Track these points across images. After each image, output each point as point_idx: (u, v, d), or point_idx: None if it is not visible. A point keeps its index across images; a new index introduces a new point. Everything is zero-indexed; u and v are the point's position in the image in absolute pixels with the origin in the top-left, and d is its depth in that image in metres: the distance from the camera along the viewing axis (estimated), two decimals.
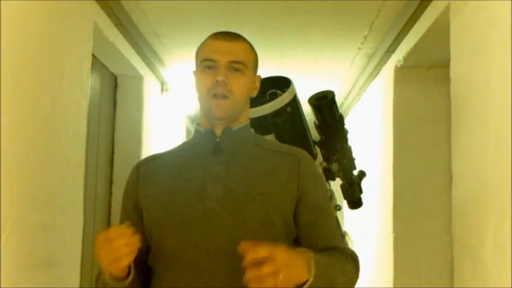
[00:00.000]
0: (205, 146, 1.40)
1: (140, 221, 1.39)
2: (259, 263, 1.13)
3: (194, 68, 1.43)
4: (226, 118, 1.38)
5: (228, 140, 1.40)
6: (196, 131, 1.45)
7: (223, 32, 1.42)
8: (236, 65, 1.36)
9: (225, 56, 1.35)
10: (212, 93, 1.35)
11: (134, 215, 1.40)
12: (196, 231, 1.30)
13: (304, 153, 1.46)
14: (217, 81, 1.34)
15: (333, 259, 1.32)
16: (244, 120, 1.44)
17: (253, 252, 1.14)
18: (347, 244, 1.87)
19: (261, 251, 1.14)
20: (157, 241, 1.35)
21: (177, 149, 1.50)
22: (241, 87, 1.37)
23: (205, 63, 1.37)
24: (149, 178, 1.41)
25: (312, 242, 1.37)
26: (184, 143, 1.53)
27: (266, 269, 1.12)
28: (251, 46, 1.43)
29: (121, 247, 1.17)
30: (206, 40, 1.42)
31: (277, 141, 1.71)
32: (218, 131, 1.40)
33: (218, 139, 1.39)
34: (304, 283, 1.19)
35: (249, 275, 1.12)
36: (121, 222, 1.40)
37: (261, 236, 1.29)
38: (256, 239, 1.26)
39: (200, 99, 1.41)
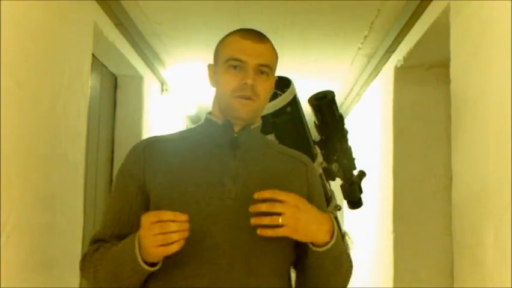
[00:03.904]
0: (221, 138, 1.36)
1: (144, 205, 1.32)
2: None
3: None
4: (248, 120, 1.36)
5: (245, 137, 1.37)
6: (209, 120, 1.40)
7: (251, 31, 1.37)
8: (264, 69, 1.33)
9: (254, 58, 1.31)
10: (238, 95, 1.31)
11: (138, 199, 1.33)
12: (214, 229, 1.27)
13: (308, 159, 1.48)
14: (245, 83, 1.30)
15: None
16: (258, 121, 1.42)
17: (272, 193, 1.21)
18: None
19: (280, 194, 1.21)
20: None
21: (185, 135, 1.44)
22: (266, 91, 1.35)
23: (232, 63, 1.32)
24: (157, 162, 1.34)
25: None
26: (191, 130, 1.47)
27: (276, 208, 1.20)
28: (274, 47, 1.39)
29: (174, 232, 1.13)
30: (232, 37, 1.37)
31: (277, 142, 1.71)
32: (236, 127, 1.37)
33: (236, 134, 1.36)
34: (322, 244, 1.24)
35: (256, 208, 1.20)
36: (122, 204, 1.34)
37: (277, 240, 1.27)
38: (273, 244, 1.28)
39: (220, 97, 1.36)
